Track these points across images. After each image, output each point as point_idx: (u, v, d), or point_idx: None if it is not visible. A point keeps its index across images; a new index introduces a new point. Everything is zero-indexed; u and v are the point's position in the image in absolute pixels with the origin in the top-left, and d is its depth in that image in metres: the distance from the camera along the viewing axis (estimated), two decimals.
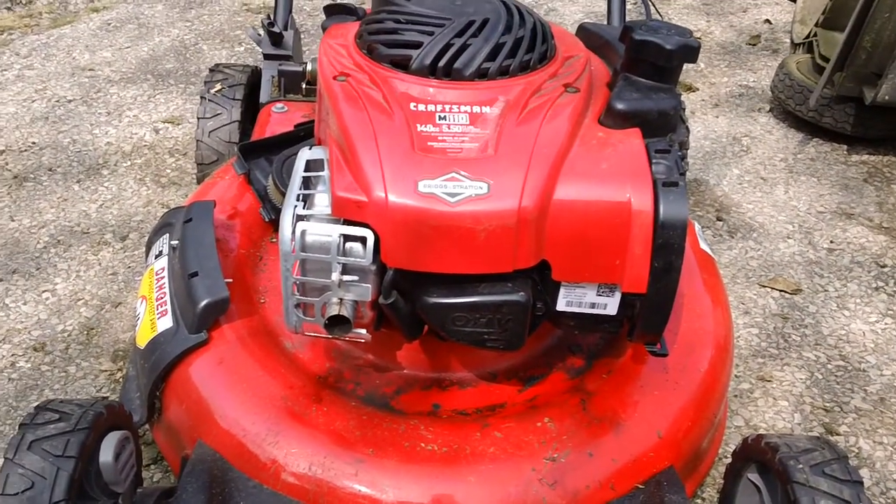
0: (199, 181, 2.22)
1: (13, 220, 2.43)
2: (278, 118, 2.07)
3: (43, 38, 3.57)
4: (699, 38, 3.72)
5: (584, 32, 1.64)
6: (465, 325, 1.27)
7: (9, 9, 3.83)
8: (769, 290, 2.26)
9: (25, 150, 2.77)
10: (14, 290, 2.17)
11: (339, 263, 1.23)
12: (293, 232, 1.23)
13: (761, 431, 1.81)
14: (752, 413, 1.86)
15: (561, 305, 1.31)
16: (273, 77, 2.24)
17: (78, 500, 1.19)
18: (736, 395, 1.90)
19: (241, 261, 1.67)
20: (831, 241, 2.47)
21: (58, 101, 3.08)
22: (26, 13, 3.81)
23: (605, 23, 2.23)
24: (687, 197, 1.21)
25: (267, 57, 2.27)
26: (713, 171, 2.81)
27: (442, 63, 1.30)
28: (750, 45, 3.75)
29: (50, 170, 2.67)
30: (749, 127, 3.10)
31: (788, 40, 3.62)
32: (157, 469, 1.69)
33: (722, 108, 3.23)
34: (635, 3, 3.97)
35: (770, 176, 2.80)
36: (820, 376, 1.97)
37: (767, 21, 3.96)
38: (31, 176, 2.64)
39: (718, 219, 2.55)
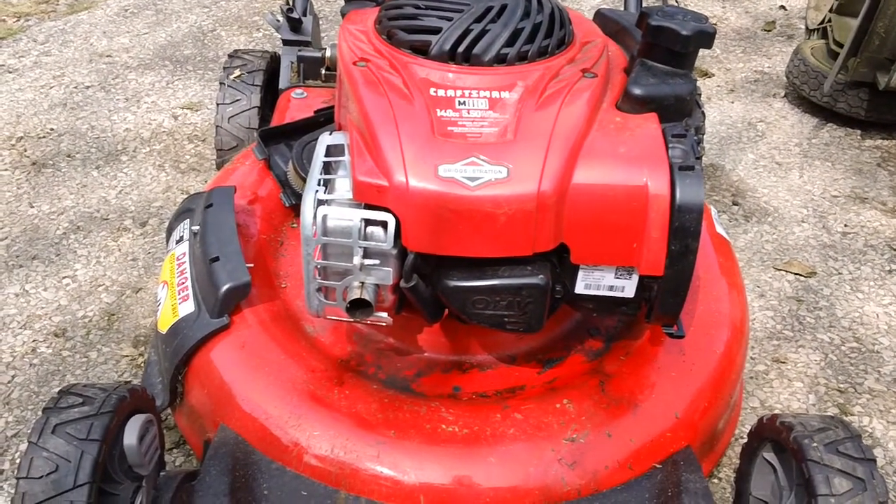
0: (218, 167, 2.24)
1: (32, 207, 2.45)
2: (298, 104, 2.08)
3: (60, 24, 3.58)
4: (715, 24, 3.72)
5: (601, 18, 1.65)
6: (485, 308, 1.28)
7: None
8: (784, 273, 2.26)
9: (44, 137, 2.79)
10: (34, 276, 2.20)
11: (360, 247, 1.25)
12: (315, 216, 1.25)
13: (777, 412, 1.82)
14: (768, 394, 1.87)
15: (579, 288, 1.32)
16: (292, 63, 2.25)
17: (102, 484, 1.21)
18: (751, 377, 1.91)
19: (262, 246, 1.69)
20: (845, 225, 2.47)
21: (76, 88, 3.10)
22: None
23: (622, 8, 2.24)
24: (703, 181, 1.22)
25: (286, 43, 2.28)
26: (729, 156, 2.81)
27: (461, 48, 1.31)
28: (765, 30, 3.74)
29: (69, 156, 2.70)
30: (764, 112, 3.10)
31: (803, 26, 3.61)
32: (180, 453, 1.71)
33: (737, 93, 3.22)
34: None
35: (785, 161, 2.80)
36: (834, 358, 1.98)
37: (782, 7, 3.94)
38: (50, 162, 2.66)
39: (734, 203, 2.55)
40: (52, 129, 2.83)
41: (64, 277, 2.19)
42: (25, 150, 2.71)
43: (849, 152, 2.86)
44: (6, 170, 2.61)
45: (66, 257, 2.26)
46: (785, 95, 3.21)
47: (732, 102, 3.16)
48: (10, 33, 3.49)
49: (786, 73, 3.18)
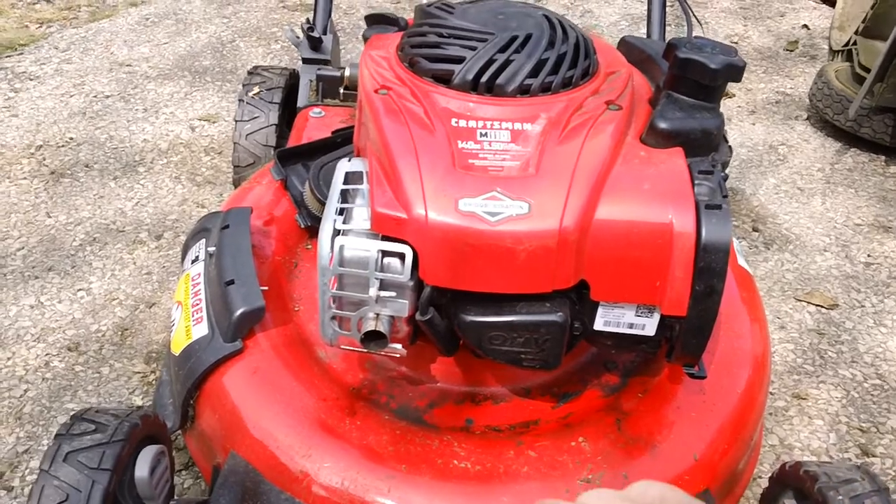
0: (235, 184, 2.23)
1: (50, 217, 2.45)
2: (315, 123, 2.07)
3: (82, 32, 3.59)
4: (736, 43, 3.69)
5: (626, 46, 1.62)
6: (501, 344, 1.26)
7: (48, 1, 3.86)
8: (805, 304, 2.23)
9: (63, 146, 2.79)
10: (49, 287, 2.19)
11: (376, 279, 1.23)
12: (332, 246, 1.23)
13: (796, 451, 1.79)
14: (787, 432, 1.84)
15: (599, 325, 1.30)
16: (311, 81, 2.24)
17: None
18: (771, 413, 1.88)
19: (277, 268, 1.67)
20: (868, 255, 2.44)
21: (95, 97, 3.10)
22: (65, 6, 3.83)
23: (645, 31, 2.22)
24: (730, 220, 1.20)
25: (305, 61, 2.26)
26: (749, 180, 2.78)
27: (484, 78, 1.29)
28: (788, 50, 3.70)
29: (87, 166, 2.69)
30: (786, 135, 3.06)
31: (827, 47, 3.57)
32: (189, 475, 1.70)
33: (758, 115, 3.19)
34: (672, 6, 3.93)
35: (807, 186, 2.77)
36: (856, 395, 1.95)
37: (805, 26, 3.91)
38: (69, 172, 2.66)
39: (754, 229, 2.52)
40: (71, 139, 2.83)
41: (79, 290, 2.19)
42: (44, 159, 2.71)
43: (873, 179, 2.82)
44: (25, 179, 2.61)
45: (81, 269, 2.26)
46: (807, 118, 3.17)
47: (753, 124, 3.13)
48: (33, 40, 3.50)
49: (809, 96, 3.14)
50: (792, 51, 3.70)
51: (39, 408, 1.85)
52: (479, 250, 1.17)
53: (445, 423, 1.44)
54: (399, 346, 1.32)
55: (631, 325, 1.29)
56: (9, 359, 1.97)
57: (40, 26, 3.63)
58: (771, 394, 1.92)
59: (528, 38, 1.32)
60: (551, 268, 1.18)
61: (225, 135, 2.86)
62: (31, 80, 3.20)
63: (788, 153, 2.95)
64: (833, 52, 3.28)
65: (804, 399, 1.93)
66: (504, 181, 1.20)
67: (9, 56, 3.37)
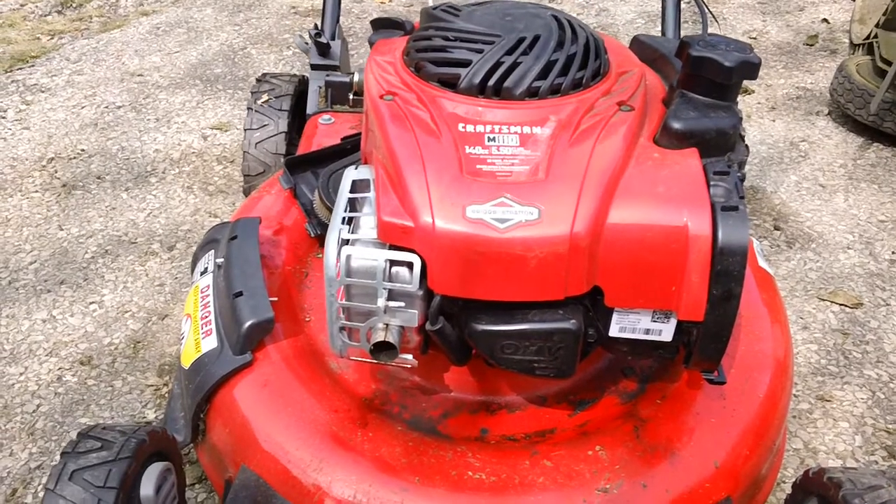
0: (245, 193, 2.21)
1: (62, 230, 2.44)
2: (325, 130, 2.04)
3: (93, 43, 3.59)
4: (755, 38, 3.64)
5: (639, 45, 1.59)
6: (514, 353, 1.23)
7: (59, 13, 3.87)
8: (829, 303, 2.18)
9: (74, 158, 2.78)
10: (62, 301, 2.18)
11: (384, 289, 1.20)
12: (338, 256, 1.20)
13: (821, 454, 1.75)
14: (812, 435, 1.79)
15: (614, 331, 1.26)
16: (320, 87, 2.21)
17: None
18: (794, 416, 1.83)
19: (287, 278, 1.65)
20: (893, 252, 2.38)
21: (107, 108, 3.09)
22: (77, 17, 3.84)
23: (659, 30, 2.18)
24: (748, 222, 1.16)
25: (314, 67, 2.24)
26: (770, 178, 2.73)
27: (492, 82, 1.26)
28: (807, 45, 3.65)
29: (98, 178, 2.68)
30: (807, 131, 3.01)
31: (847, 41, 3.52)
32: (202, 489, 1.68)
33: (779, 111, 3.14)
34: (688, 2, 3.88)
35: (829, 183, 2.71)
36: (882, 396, 1.90)
37: (825, 20, 3.85)
38: (80, 184, 2.65)
39: (776, 228, 2.47)
40: (82, 150, 2.83)
41: (91, 303, 2.17)
42: (56, 172, 2.71)
43: None
44: (37, 192, 2.61)
45: (93, 282, 2.24)
46: (829, 113, 3.12)
47: (773, 121, 3.08)
48: (44, 52, 3.50)
49: (830, 91, 3.09)
50: (812, 45, 3.64)
51: (52, 423, 1.83)
52: (489, 258, 1.14)
53: (460, 433, 1.41)
54: (410, 356, 1.29)
55: (647, 331, 1.26)
56: (21, 374, 1.96)
57: (52, 38, 3.64)
58: (794, 396, 1.88)
59: (536, 39, 1.29)
60: (563, 274, 1.15)
61: (237, 143, 2.85)
62: (42, 92, 3.20)
63: (810, 149, 2.90)
64: (854, 46, 3.23)
65: (828, 401, 1.88)
66: (513, 186, 1.17)
67: (20, 68, 3.37)
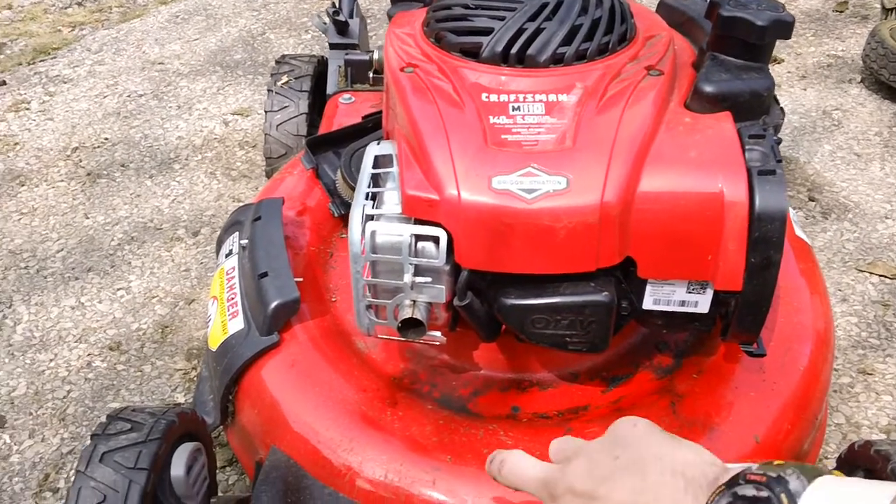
0: (267, 175, 2.19)
1: (87, 218, 2.44)
2: (345, 109, 2.01)
3: (113, 33, 3.59)
4: (785, 5, 3.56)
5: (666, 8, 1.54)
6: (545, 328, 1.19)
7: (80, 4, 3.86)
8: (868, 274, 2.13)
9: (98, 147, 2.78)
10: (90, 288, 2.17)
11: (411, 265, 1.17)
12: (363, 232, 1.17)
13: (864, 429, 1.70)
14: (854, 409, 1.75)
15: (648, 304, 1.23)
16: (340, 67, 2.18)
17: None
18: (835, 391, 1.79)
19: (312, 258, 1.63)
20: None
21: (129, 96, 3.09)
22: (96, 8, 3.84)
23: None
24: (785, 186, 1.11)
25: (333, 46, 2.21)
26: (803, 148, 2.67)
27: (514, 49, 1.22)
28: (837, 11, 3.57)
29: (122, 166, 2.68)
30: (840, 99, 2.94)
31: (879, 5, 3.43)
32: (233, 471, 1.67)
33: (810, 79, 3.07)
34: None
35: (864, 151, 2.65)
36: None
37: None
38: (105, 172, 2.64)
39: (811, 199, 2.42)
40: (106, 139, 2.82)
41: (119, 289, 2.17)
42: (80, 161, 2.70)
43: None
44: (62, 181, 2.61)
45: (120, 269, 2.24)
46: (861, 81, 3.04)
47: (805, 90, 3.01)
48: (66, 43, 3.50)
49: (862, 57, 3.01)
50: (842, 12, 3.56)
51: (83, 408, 1.83)
52: (517, 230, 1.10)
53: (491, 411, 1.38)
54: (438, 333, 1.26)
55: (682, 303, 1.22)
56: (51, 360, 1.95)
57: (72, 29, 3.64)
58: (835, 370, 1.83)
59: (559, 4, 1.25)
60: (594, 245, 1.11)
61: (258, 128, 2.83)
62: (65, 83, 3.20)
63: (843, 118, 2.83)
64: (886, 11, 3.15)
65: (870, 374, 1.83)
66: (540, 156, 1.13)
67: (42, 60, 3.38)
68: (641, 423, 0.73)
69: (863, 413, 1.74)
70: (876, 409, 1.75)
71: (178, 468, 1.22)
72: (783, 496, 0.54)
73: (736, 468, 0.61)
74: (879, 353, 1.89)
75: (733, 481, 0.59)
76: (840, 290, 2.07)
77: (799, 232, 1.67)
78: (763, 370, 1.38)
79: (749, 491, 0.56)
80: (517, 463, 0.84)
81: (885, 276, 2.11)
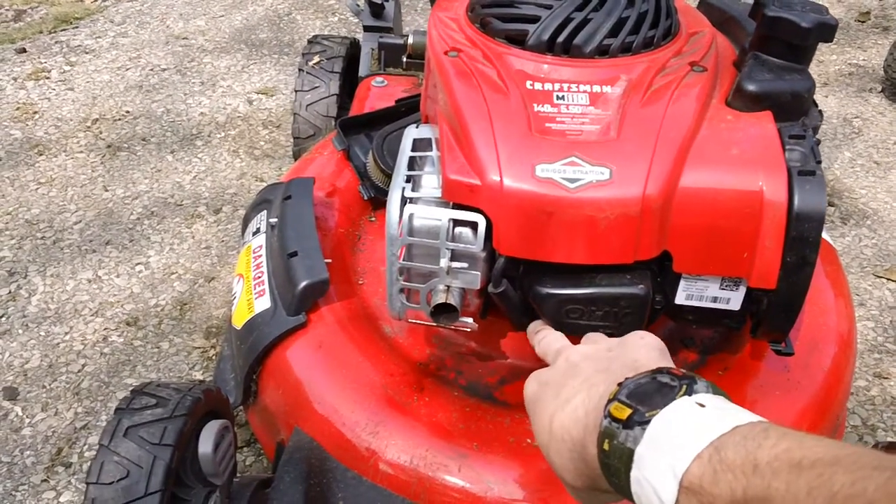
0: (295, 155, 2.19)
1: (107, 191, 2.43)
2: (378, 92, 2.01)
3: (137, 6, 3.58)
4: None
5: (707, 7, 1.54)
6: (579, 318, 1.20)
7: None
8: (885, 280, 2.13)
9: (119, 119, 2.77)
10: (107, 261, 2.17)
11: (447, 249, 1.17)
12: (401, 215, 1.17)
13: (879, 432, 1.71)
14: (870, 412, 1.75)
15: (680, 299, 1.23)
16: (373, 50, 2.18)
17: (174, 489, 1.16)
18: (852, 393, 1.79)
19: (340, 240, 1.63)
20: None
21: (152, 70, 3.08)
22: None
23: None
24: (825, 187, 1.12)
25: (367, 29, 2.21)
26: (823, 154, 2.67)
27: (561, 39, 1.22)
28: (859, 21, 3.57)
29: (144, 140, 2.67)
30: (860, 108, 2.94)
31: None
32: (250, 452, 1.67)
33: (831, 87, 3.07)
34: None
35: (883, 160, 2.65)
36: None
37: None
38: (125, 146, 2.64)
39: (830, 204, 2.42)
40: (127, 112, 2.82)
41: (137, 264, 2.16)
42: (101, 133, 2.70)
43: None
44: (81, 152, 2.60)
45: (139, 243, 2.24)
46: (882, 90, 3.05)
47: (826, 97, 3.01)
48: (88, 13, 3.49)
49: (884, 67, 3.01)
50: (864, 22, 3.56)
51: (98, 383, 1.83)
52: (558, 219, 1.10)
53: (517, 400, 1.37)
54: (470, 319, 1.26)
55: (715, 299, 1.22)
56: (66, 333, 1.95)
57: (95, 0, 3.62)
58: None
59: None
60: (633, 237, 1.12)
61: (283, 108, 2.83)
62: (86, 53, 3.19)
63: (863, 126, 2.83)
64: None
65: (886, 378, 1.84)
66: (583, 146, 1.13)
67: (64, 30, 3.37)
68: (649, 337, 0.85)
69: (878, 416, 1.75)
70: (891, 413, 1.75)
71: (205, 445, 1.21)
72: (684, 387, 0.66)
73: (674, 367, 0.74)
74: (895, 358, 1.89)
75: (659, 370, 0.71)
76: (857, 295, 2.08)
77: (825, 235, 1.67)
78: (788, 369, 1.38)
79: (665, 378, 0.68)
80: (551, 339, 1.03)
81: None
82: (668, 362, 0.81)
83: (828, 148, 2.70)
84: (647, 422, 0.64)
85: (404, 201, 1.19)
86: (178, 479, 1.18)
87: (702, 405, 0.63)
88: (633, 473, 0.64)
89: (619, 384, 0.71)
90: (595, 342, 0.92)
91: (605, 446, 0.67)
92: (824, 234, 1.67)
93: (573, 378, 0.81)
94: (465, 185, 1.13)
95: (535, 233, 1.12)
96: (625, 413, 0.66)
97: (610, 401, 0.69)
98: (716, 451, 0.58)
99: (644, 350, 0.83)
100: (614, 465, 0.66)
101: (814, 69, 3.13)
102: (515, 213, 1.11)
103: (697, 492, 0.58)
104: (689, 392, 0.66)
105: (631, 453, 0.64)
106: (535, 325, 1.17)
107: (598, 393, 0.74)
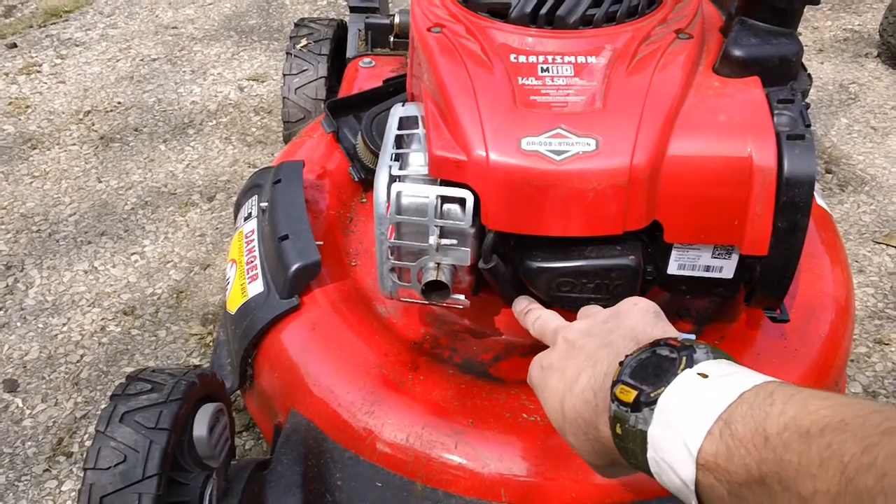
0: (285, 139, 2.18)
1: (100, 182, 2.43)
2: (366, 73, 2.00)
3: None
4: None
5: None
6: (570, 291, 1.19)
7: None
8: (884, 246, 2.12)
9: (111, 111, 2.77)
10: (103, 252, 2.17)
11: (436, 226, 1.16)
12: (388, 194, 1.16)
13: (881, 398, 1.71)
14: (871, 379, 1.75)
15: (672, 269, 1.22)
16: (360, 31, 2.17)
17: (171, 473, 1.16)
18: (853, 360, 1.79)
19: (332, 222, 1.62)
20: None
21: (142, 60, 3.07)
22: None
23: None
24: (815, 150, 1.11)
25: (353, 10, 2.20)
26: (820, 121, 2.65)
27: (544, 10, 1.21)
28: None
29: (136, 130, 2.66)
30: (856, 73, 2.92)
31: None
32: (250, 436, 1.67)
33: (826, 53, 3.05)
34: None
35: (881, 125, 2.63)
36: None
37: None
38: (118, 136, 2.63)
39: (828, 171, 2.41)
40: (119, 103, 2.81)
41: (132, 254, 2.16)
42: (93, 125, 2.69)
43: None
44: (74, 144, 2.60)
45: (134, 233, 2.23)
46: (878, 55, 3.02)
47: (822, 63, 2.99)
48: (78, 6, 3.48)
49: (879, 31, 2.99)
50: None
51: (97, 373, 1.83)
52: (545, 192, 1.10)
53: (512, 376, 1.38)
54: (462, 296, 1.26)
55: (707, 268, 1.21)
56: (64, 324, 1.95)
57: None
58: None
59: None
60: (622, 208, 1.11)
61: (274, 94, 2.81)
62: (77, 46, 3.18)
63: (860, 91, 2.82)
64: None
65: (887, 344, 1.83)
66: (569, 117, 1.12)
67: (54, 23, 3.35)
68: (642, 303, 0.87)
69: (880, 382, 1.74)
70: (893, 379, 1.75)
71: (200, 428, 1.21)
72: (684, 359, 0.67)
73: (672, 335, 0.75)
74: (895, 324, 1.89)
75: (657, 342, 0.72)
76: (857, 262, 2.07)
77: (820, 201, 1.66)
78: (785, 337, 1.38)
79: (664, 351, 0.69)
80: (545, 318, 1.03)
81: None
82: (665, 325, 0.82)
83: (824, 115, 2.68)
84: (654, 402, 0.64)
85: (392, 180, 1.18)
86: (175, 463, 1.18)
87: (704, 375, 0.64)
88: (650, 454, 0.64)
89: (621, 363, 0.71)
90: (590, 316, 0.92)
91: (618, 430, 0.68)
92: (820, 201, 1.66)
93: (575, 358, 0.82)
94: (452, 161, 1.13)
95: (522, 207, 1.11)
96: (630, 395, 0.67)
97: (615, 382, 0.70)
98: (726, 425, 0.58)
99: (639, 316, 0.83)
100: (630, 447, 0.67)
101: (808, 35, 3.12)
102: (502, 188, 1.11)
103: (714, 469, 0.58)
104: (690, 363, 0.66)
105: (644, 435, 0.65)
106: (521, 304, 1.16)
107: (602, 371, 0.75)
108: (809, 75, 1.33)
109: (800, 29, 3.03)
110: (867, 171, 2.41)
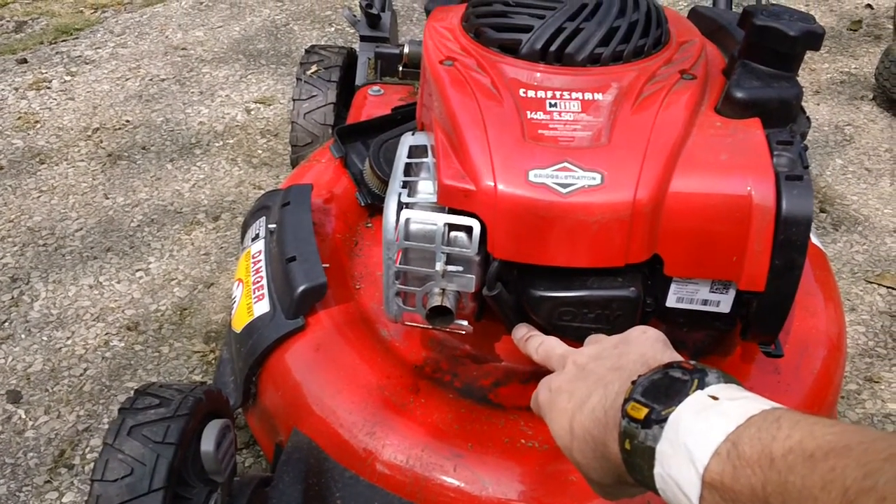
0: (293, 163, 2.22)
1: (107, 198, 2.46)
2: (374, 101, 2.04)
3: (136, 17, 3.61)
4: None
5: (697, 16, 1.58)
6: (572, 320, 1.22)
7: None
8: (876, 286, 2.16)
9: (119, 129, 2.80)
10: (108, 268, 2.20)
11: (443, 253, 1.20)
12: (397, 220, 1.20)
13: None
14: (860, 416, 1.78)
15: (671, 301, 1.26)
16: (369, 59, 2.21)
17: (176, 488, 1.18)
18: (843, 396, 1.82)
19: (338, 245, 1.65)
20: None
21: (151, 80, 3.11)
22: None
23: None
24: (812, 191, 1.15)
25: (363, 39, 2.24)
26: (815, 161, 2.70)
27: (553, 48, 1.25)
28: (851, 30, 3.60)
29: (143, 148, 2.70)
30: (852, 115, 2.98)
31: (891, 26, 3.47)
32: (249, 454, 1.69)
33: (823, 95, 3.11)
34: None
35: (875, 167, 2.68)
36: None
37: (869, 6, 3.80)
38: (125, 154, 2.67)
39: (822, 210, 2.45)
40: (127, 121, 2.85)
41: (137, 270, 2.19)
42: (101, 142, 2.73)
43: None
44: (82, 161, 2.63)
45: (139, 250, 2.26)
46: (873, 98, 3.08)
47: (818, 104, 3.04)
48: (88, 24, 3.52)
49: (875, 76, 3.05)
50: (855, 31, 3.60)
51: (99, 387, 1.85)
52: (550, 223, 1.13)
53: (511, 402, 1.41)
54: (465, 322, 1.29)
55: (705, 302, 1.25)
56: (68, 338, 1.98)
57: (95, 11, 3.66)
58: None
59: (598, 5, 1.28)
60: (624, 241, 1.14)
61: (280, 117, 2.86)
62: (86, 63, 3.22)
63: (855, 133, 2.87)
64: None
65: (877, 382, 1.87)
66: (575, 152, 1.16)
67: (64, 41, 3.40)
68: (651, 332, 0.88)
69: (869, 420, 1.77)
70: (882, 417, 1.78)
71: (208, 443, 1.23)
72: (696, 381, 0.68)
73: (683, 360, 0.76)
74: (886, 363, 1.92)
75: (670, 365, 0.73)
76: (849, 300, 2.10)
77: (815, 240, 1.70)
78: (778, 372, 1.41)
79: (677, 373, 0.70)
80: (550, 344, 1.05)
81: (893, 288, 2.14)
82: (672, 353, 0.84)
83: (819, 155, 2.73)
84: (665, 419, 0.66)
85: (401, 206, 1.21)
86: (180, 477, 1.20)
87: (715, 398, 0.66)
88: (657, 470, 0.66)
89: (633, 382, 0.73)
90: (598, 342, 0.94)
91: (627, 446, 0.69)
92: (814, 239, 1.70)
93: (585, 380, 0.84)
94: (461, 191, 1.16)
95: (528, 237, 1.15)
96: (642, 413, 0.68)
97: (626, 400, 0.71)
98: (733, 446, 0.60)
99: (649, 344, 0.85)
100: (637, 462, 0.68)
101: (806, 77, 3.18)
102: (509, 218, 1.14)
103: (719, 488, 0.60)
104: (702, 385, 0.67)
105: (652, 451, 0.66)
106: (521, 331, 1.18)
107: (613, 391, 0.77)
108: (808, 118, 1.37)
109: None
110: (861, 211, 2.45)
